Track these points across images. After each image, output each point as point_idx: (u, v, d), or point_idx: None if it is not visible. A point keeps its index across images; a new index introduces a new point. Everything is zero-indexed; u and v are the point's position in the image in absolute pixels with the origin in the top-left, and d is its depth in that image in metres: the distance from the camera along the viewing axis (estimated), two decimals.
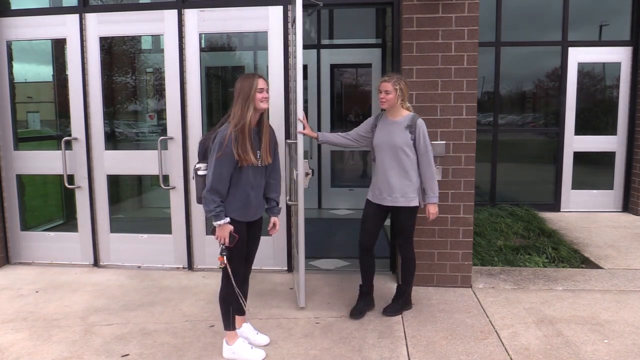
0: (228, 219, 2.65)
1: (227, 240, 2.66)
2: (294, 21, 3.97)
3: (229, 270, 2.69)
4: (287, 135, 4.12)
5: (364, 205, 3.41)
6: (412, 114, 3.25)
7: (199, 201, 2.75)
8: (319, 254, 4.77)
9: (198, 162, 2.77)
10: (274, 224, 2.98)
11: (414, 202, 3.23)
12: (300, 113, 3.32)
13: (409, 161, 3.19)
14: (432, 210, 3.25)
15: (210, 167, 2.62)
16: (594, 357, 2.78)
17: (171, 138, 4.26)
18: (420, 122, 3.19)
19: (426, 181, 3.21)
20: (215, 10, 4.11)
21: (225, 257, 2.68)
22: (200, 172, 2.73)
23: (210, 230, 2.74)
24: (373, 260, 3.41)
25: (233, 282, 2.70)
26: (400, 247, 3.39)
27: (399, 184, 3.21)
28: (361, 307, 3.39)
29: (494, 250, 4.71)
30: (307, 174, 3.37)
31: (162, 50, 4.23)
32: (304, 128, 3.35)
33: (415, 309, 3.47)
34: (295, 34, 3.28)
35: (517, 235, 5.23)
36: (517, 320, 3.27)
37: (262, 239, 3.96)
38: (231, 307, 2.78)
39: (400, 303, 3.41)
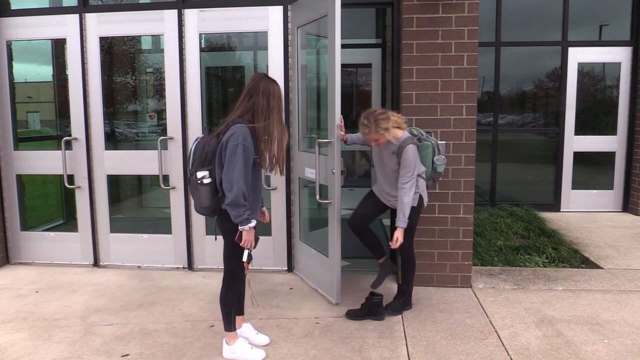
0: (255, 222, 2.62)
1: (253, 244, 2.63)
2: (299, 26, 3.98)
3: (245, 272, 2.69)
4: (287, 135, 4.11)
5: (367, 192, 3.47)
6: (403, 137, 3.12)
7: (202, 211, 2.66)
8: None
9: (198, 170, 2.59)
10: (263, 213, 2.99)
11: (412, 203, 3.24)
12: (337, 117, 3.35)
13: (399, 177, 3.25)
14: (397, 234, 3.12)
15: (236, 170, 2.49)
16: (594, 357, 2.78)
17: (171, 138, 4.26)
18: (406, 151, 3.06)
19: (398, 203, 3.15)
20: (215, 10, 4.11)
21: (250, 262, 2.68)
22: (206, 181, 2.58)
23: (237, 237, 2.62)
24: (368, 234, 3.35)
25: (248, 286, 2.72)
26: (399, 245, 3.37)
27: (394, 191, 3.28)
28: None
29: (494, 250, 4.71)
30: (342, 172, 3.43)
31: (162, 50, 4.23)
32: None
33: (415, 309, 3.47)
34: (335, 32, 3.28)
35: (517, 235, 5.23)
36: (517, 320, 3.27)
37: (263, 238, 3.98)
38: (233, 307, 2.78)
39: (401, 302, 3.41)
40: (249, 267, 2.72)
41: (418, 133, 3.28)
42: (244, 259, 2.66)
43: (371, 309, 3.31)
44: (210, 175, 2.59)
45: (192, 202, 4.29)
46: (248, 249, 2.64)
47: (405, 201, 3.10)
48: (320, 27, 3.78)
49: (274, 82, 2.69)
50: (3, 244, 4.53)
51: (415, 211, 3.29)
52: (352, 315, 3.32)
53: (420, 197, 3.29)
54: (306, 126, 4.22)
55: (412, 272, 3.41)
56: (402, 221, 3.13)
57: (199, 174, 2.58)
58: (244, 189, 2.52)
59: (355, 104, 7.22)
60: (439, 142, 3.66)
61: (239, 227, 2.57)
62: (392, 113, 3.15)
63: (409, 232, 3.30)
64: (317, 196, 3.56)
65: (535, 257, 4.53)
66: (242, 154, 2.50)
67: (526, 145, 6.69)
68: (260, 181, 2.75)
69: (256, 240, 2.66)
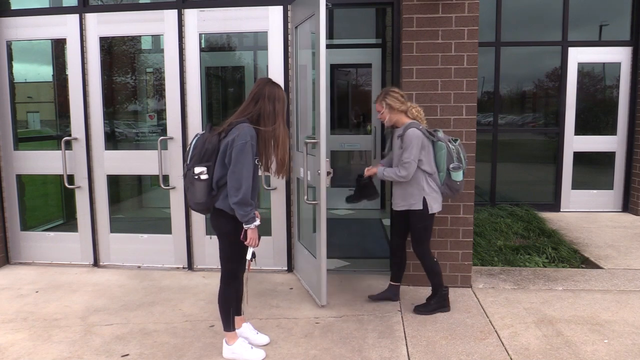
0: (259, 221, 2.63)
1: (257, 242, 2.64)
2: (297, 25, 3.97)
3: (247, 271, 2.72)
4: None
5: None
6: (409, 122, 3.23)
7: (195, 207, 2.65)
8: None
9: (196, 166, 2.58)
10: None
11: (416, 206, 3.24)
12: (324, 116, 3.34)
13: None
14: (373, 168, 3.39)
15: (245, 168, 2.50)
16: (594, 357, 2.78)
17: (171, 138, 4.26)
18: (409, 133, 3.14)
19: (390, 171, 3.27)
20: (215, 10, 4.11)
21: (254, 261, 2.68)
22: (203, 177, 2.57)
23: (243, 235, 2.63)
24: (399, 259, 3.54)
25: (245, 285, 2.74)
26: (413, 251, 3.39)
27: (399, 190, 3.32)
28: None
29: (494, 250, 4.71)
30: (328, 173, 3.40)
31: (162, 50, 4.23)
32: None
33: None
34: (320, 32, 3.27)
35: (517, 235, 5.23)
36: (517, 320, 3.27)
37: (263, 239, 3.98)
38: (231, 307, 2.78)
39: (433, 303, 3.39)
40: (252, 266, 2.72)
41: (435, 133, 3.26)
42: (248, 257, 2.66)
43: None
44: (208, 172, 2.59)
45: None
46: (252, 246, 2.64)
47: (395, 175, 3.19)
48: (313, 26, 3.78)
49: (278, 86, 2.70)
50: (3, 244, 4.53)
51: (419, 215, 3.25)
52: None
53: (425, 202, 3.22)
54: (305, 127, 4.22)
55: (434, 274, 3.36)
56: (380, 171, 3.30)
57: (197, 170, 2.58)
58: (249, 189, 2.54)
59: (355, 104, 7.22)
60: (462, 151, 3.39)
61: (245, 226, 2.58)
62: (413, 104, 3.31)
63: (420, 235, 3.32)
64: (305, 197, 3.56)
65: (535, 257, 4.53)
66: (250, 152, 2.52)
67: (526, 145, 6.69)
68: (258, 182, 2.75)
69: (258, 238, 2.67)
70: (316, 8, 3.30)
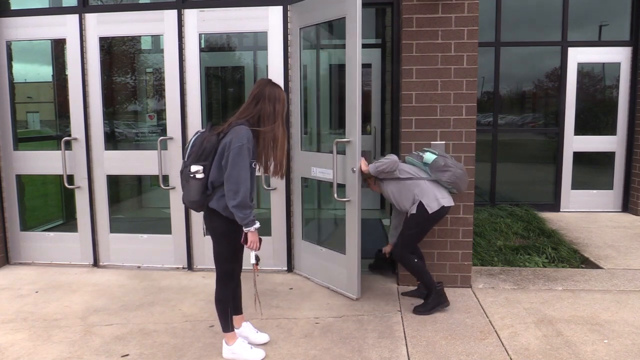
0: (259, 223, 2.61)
1: (258, 245, 2.63)
2: (302, 27, 3.97)
3: (255, 274, 2.73)
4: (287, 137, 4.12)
5: None
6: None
7: (189, 205, 2.66)
8: None
9: (193, 164, 2.57)
10: None
11: (411, 211, 3.37)
12: (358, 117, 3.47)
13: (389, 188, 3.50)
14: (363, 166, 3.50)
15: (243, 171, 2.49)
16: (594, 357, 2.78)
17: (171, 138, 4.26)
18: (378, 161, 3.41)
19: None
20: (215, 10, 4.11)
21: (258, 264, 2.68)
22: (199, 176, 2.57)
23: (243, 239, 2.62)
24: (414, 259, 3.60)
25: (254, 287, 2.74)
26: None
27: (402, 199, 3.47)
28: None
29: (493, 250, 4.71)
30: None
31: (162, 50, 4.23)
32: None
33: None
34: (356, 32, 3.40)
35: (517, 235, 5.23)
36: (516, 320, 3.27)
37: (263, 239, 3.98)
38: (228, 307, 2.78)
39: (430, 302, 3.41)
40: (258, 269, 2.72)
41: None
42: (252, 261, 2.65)
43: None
44: (204, 172, 2.58)
45: None
46: (254, 250, 2.63)
47: (384, 162, 3.36)
48: (321, 29, 3.80)
49: (278, 87, 2.70)
50: (3, 244, 4.53)
51: (413, 219, 3.34)
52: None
53: (421, 205, 3.31)
54: (307, 127, 4.22)
55: (413, 271, 3.43)
56: (373, 167, 3.41)
57: (193, 168, 2.57)
58: (249, 190, 2.53)
59: None
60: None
61: (245, 229, 2.57)
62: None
63: (404, 234, 3.40)
64: (335, 195, 3.59)
65: (535, 257, 4.53)
66: (247, 155, 2.51)
67: (526, 145, 6.69)
68: (254, 184, 2.75)
69: (259, 241, 2.67)
70: (350, 9, 3.40)
